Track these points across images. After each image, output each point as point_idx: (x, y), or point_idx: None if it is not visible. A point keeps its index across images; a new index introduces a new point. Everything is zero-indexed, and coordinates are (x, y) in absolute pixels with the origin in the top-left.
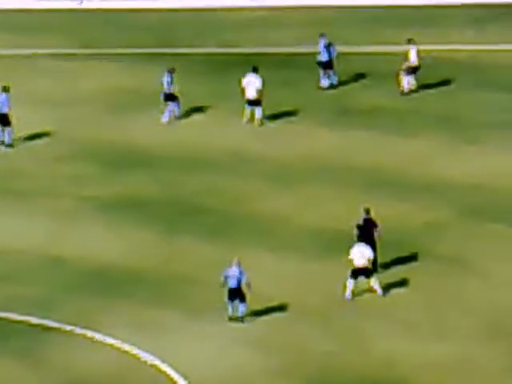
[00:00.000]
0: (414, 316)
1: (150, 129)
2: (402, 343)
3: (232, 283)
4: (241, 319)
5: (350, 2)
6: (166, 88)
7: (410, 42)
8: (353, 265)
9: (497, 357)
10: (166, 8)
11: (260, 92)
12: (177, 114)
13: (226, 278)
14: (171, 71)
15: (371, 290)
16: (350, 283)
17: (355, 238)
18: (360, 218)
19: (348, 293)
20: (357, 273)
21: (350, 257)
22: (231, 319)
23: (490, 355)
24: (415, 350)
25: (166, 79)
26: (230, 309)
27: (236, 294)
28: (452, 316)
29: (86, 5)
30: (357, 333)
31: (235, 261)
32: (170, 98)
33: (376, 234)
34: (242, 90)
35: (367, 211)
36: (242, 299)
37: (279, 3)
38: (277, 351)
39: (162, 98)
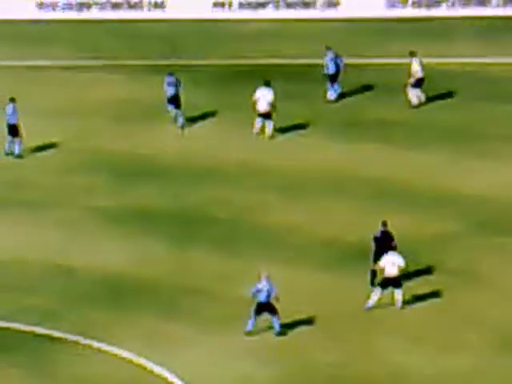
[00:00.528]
0: (423, 328)
1: (159, 140)
2: (411, 355)
3: (261, 297)
4: (281, 332)
5: (359, 15)
6: (173, 92)
7: (412, 54)
8: (383, 274)
9: (507, 369)
10: (174, 19)
11: (272, 105)
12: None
13: (256, 292)
14: (173, 73)
15: (391, 303)
16: (377, 293)
17: (372, 251)
18: (377, 231)
19: (370, 302)
20: (387, 282)
21: (380, 266)
22: (248, 334)
23: (501, 367)
24: (425, 363)
25: (171, 82)
26: (251, 323)
27: (265, 307)
28: (461, 329)
29: (93, 15)
30: (366, 345)
31: (264, 274)
32: (177, 102)
33: (393, 247)
34: (254, 103)
35: (384, 224)
36: (274, 312)
37: (287, 15)
38: (286, 363)
39: (168, 102)
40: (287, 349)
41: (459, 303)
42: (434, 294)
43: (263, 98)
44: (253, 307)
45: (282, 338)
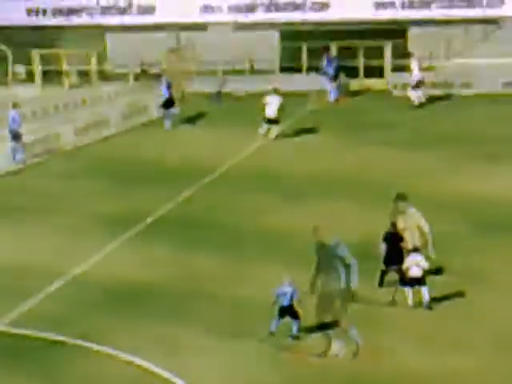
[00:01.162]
0: (428, 329)
1: (161, 143)
2: (416, 355)
3: (284, 301)
4: (297, 337)
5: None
6: (169, 94)
7: (410, 55)
8: (408, 275)
9: None
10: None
11: (280, 111)
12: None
13: (278, 296)
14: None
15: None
16: (410, 291)
17: (382, 252)
18: (387, 232)
19: (411, 300)
20: (413, 282)
21: (404, 267)
22: (271, 334)
23: (506, 368)
24: (430, 363)
25: (167, 84)
26: (274, 325)
27: (287, 311)
28: (467, 329)
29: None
30: (370, 345)
31: (287, 278)
32: (170, 103)
33: (403, 248)
34: (263, 108)
35: (394, 225)
36: (295, 317)
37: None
38: (295, 365)
39: (166, 106)
40: (297, 351)
41: (464, 304)
42: (439, 295)
43: (272, 104)
44: (276, 310)
45: (290, 340)
